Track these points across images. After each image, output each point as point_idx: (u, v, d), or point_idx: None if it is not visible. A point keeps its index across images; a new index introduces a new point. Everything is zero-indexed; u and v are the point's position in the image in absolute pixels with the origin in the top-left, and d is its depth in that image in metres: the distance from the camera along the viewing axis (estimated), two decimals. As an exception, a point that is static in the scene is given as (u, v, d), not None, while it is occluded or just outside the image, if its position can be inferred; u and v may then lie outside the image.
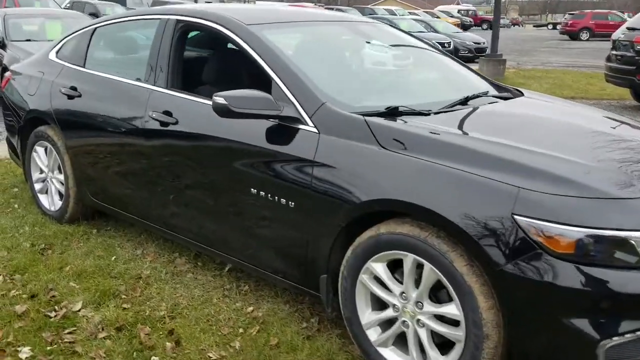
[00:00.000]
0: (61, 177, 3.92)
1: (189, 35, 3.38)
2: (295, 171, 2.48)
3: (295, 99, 2.57)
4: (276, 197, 2.56)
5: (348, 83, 2.98)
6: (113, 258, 3.46)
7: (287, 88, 2.60)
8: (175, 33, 3.21)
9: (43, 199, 4.17)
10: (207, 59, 3.46)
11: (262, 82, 2.79)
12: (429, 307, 2.19)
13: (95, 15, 15.50)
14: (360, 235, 2.33)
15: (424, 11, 37.28)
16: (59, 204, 4.01)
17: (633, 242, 1.86)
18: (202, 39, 3.83)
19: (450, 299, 2.12)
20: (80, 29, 3.92)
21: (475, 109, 2.76)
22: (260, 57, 2.75)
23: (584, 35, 33.61)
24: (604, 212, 1.91)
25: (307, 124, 2.51)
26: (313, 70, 2.73)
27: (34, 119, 4.03)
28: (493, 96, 3.07)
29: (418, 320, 2.22)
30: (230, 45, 3.53)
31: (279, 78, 2.64)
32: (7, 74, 4.46)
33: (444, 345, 2.21)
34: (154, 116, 3.09)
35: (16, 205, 4.34)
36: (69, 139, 3.73)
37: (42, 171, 4.13)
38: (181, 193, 3.05)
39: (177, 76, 3.19)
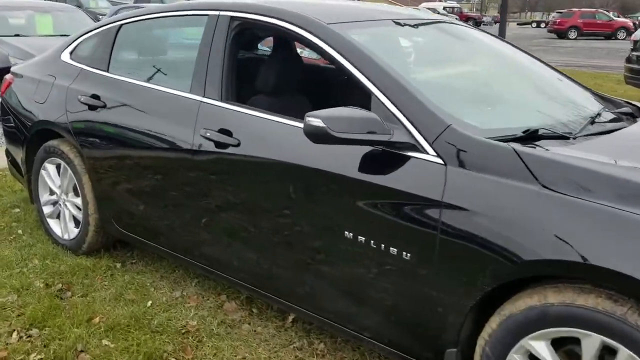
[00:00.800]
0: (78, 200, 3.31)
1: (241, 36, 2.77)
2: (414, 213, 1.92)
3: (408, 119, 2.01)
4: (382, 245, 2.01)
5: (467, 98, 2.42)
6: (149, 304, 2.87)
7: (395, 106, 2.04)
8: (229, 33, 2.63)
9: (54, 225, 3.54)
10: (267, 64, 2.87)
11: (351, 96, 2.22)
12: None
13: (78, 7, 14.57)
14: (513, 302, 1.79)
15: (409, 8, 36.76)
16: (74, 232, 3.39)
17: None
18: (254, 39, 3.24)
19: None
20: (100, 26, 3.30)
21: (622, 133, 2.22)
22: (353, 65, 2.18)
23: (572, 34, 33.46)
24: None
25: (425, 152, 1.95)
26: (422, 82, 2.18)
27: (43, 131, 3.41)
28: (614, 112, 2.55)
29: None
30: (298, 49, 2.95)
31: (384, 93, 2.08)
32: (8, 76, 3.81)
33: None
34: (208, 135, 2.51)
35: (20, 231, 3.70)
36: (90, 157, 3.11)
37: (52, 192, 3.51)
38: (241, 230, 2.47)
39: (232, 86, 2.61)
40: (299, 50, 3.29)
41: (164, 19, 3.04)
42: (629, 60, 9.79)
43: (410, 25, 2.66)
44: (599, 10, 39.43)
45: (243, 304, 2.89)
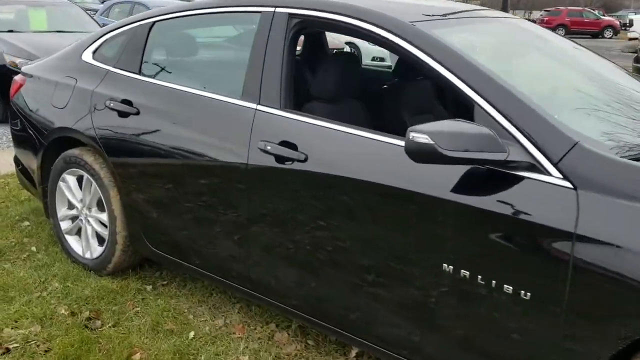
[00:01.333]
0: (103, 216, 2.99)
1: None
2: (536, 246, 1.65)
3: (525, 135, 1.73)
4: (493, 282, 1.73)
5: (579, 109, 2.14)
6: (191, 335, 2.56)
7: (507, 119, 1.76)
8: (288, 33, 2.33)
9: (73, 243, 3.21)
10: (326, 67, 2.57)
11: (441, 105, 1.93)
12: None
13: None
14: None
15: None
16: (97, 250, 3.07)
17: None
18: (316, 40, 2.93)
19: None
20: (129, 23, 2.97)
21: None
22: (451, 71, 1.89)
23: (560, 33, 33.54)
24: None
25: (547, 174, 1.68)
26: (531, 90, 1.90)
27: (62, 139, 3.08)
28: None
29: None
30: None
31: (492, 104, 1.79)
32: (18, 78, 3.47)
33: None
34: (268, 148, 2.21)
35: (34, 248, 3.37)
36: (119, 169, 2.79)
37: (72, 206, 3.18)
38: (308, 254, 2.18)
39: (291, 93, 2.32)
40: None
41: (204, 17, 2.72)
42: (637, 60, 9.66)
43: (486, 23, 2.39)
44: (586, 8, 39.64)
45: (296, 334, 2.60)
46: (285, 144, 2.18)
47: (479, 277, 1.76)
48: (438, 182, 1.82)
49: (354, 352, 2.45)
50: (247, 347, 2.49)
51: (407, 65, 3.11)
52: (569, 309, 1.61)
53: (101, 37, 3.09)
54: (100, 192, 2.95)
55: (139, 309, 2.78)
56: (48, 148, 3.17)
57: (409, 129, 1.68)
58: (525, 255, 1.67)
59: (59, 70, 3.20)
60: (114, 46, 3.01)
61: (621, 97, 2.31)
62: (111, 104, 2.80)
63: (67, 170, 3.09)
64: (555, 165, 1.67)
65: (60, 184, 3.15)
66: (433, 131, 1.64)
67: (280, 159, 2.19)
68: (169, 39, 2.94)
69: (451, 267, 1.81)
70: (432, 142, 1.63)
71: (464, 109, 1.90)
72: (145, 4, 10.73)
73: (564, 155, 1.67)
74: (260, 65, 2.35)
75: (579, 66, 2.58)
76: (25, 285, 2.95)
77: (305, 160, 2.12)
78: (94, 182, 2.97)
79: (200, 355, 2.42)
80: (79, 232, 3.20)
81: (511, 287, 1.70)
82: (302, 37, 3.44)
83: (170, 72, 2.84)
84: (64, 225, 3.23)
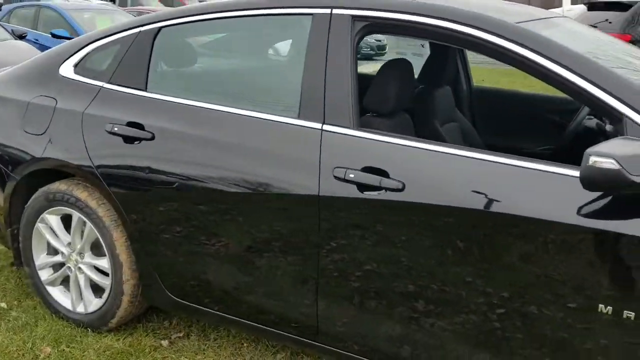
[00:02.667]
0: (101, 262, 2.48)
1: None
2: None
3: None
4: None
5: None
6: (242, 399, 2.15)
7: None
8: (353, 38, 1.99)
9: (58, 295, 2.67)
10: (383, 79, 2.23)
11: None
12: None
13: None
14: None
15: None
16: (94, 303, 2.55)
17: None
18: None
19: None
20: (123, 30, 2.48)
21: None
22: (591, 82, 1.64)
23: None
24: None
25: None
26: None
27: (43, 172, 2.54)
28: None
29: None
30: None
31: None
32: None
33: None
34: (351, 177, 1.85)
35: (3, 305, 2.77)
36: (129, 206, 2.31)
37: (54, 252, 2.63)
38: (406, 304, 1.86)
39: (359, 109, 1.98)
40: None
41: (228, 20, 2.30)
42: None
43: (556, 25, 2.17)
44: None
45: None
46: (372, 170, 1.84)
47: (646, 317, 1.52)
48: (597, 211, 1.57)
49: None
50: (313, 408, 2.12)
51: (434, 72, 2.87)
52: None
53: (84, 47, 2.57)
54: (98, 234, 2.44)
55: (162, 371, 2.32)
56: (20, 183, 2.60)
57: (588, 151, 1.41)
58: None
59: (28, 88, 2.63)
60: (105, 58, 2.50)
61: None
62: (114, 129, 2.31)
63: (49, 209, 2.54)
64: None
65: (39, 225, 2.59)
66: (622, 155, 1.38)
67: (363, 187, 1.85)
68: (183, 48, 2.49)
69: (609, 308, 1.56)
70: (619, 167, 1.37)
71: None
72: (54, 8, 9.76)
73: None
74: (322, 78, 1.98)
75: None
76: (7, 354, 2.38)
77: (403, 189, 1.79)
78: (88, 222, 2.45)
79: None
80: (64, 282, 2.66)
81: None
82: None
83: (191, 88, 2.39)
84: (44, 274, 2.67)
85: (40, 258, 2.66)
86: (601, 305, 1.57)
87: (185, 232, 2.23)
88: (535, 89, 3.41)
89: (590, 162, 1.41)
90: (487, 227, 1.69)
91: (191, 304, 2.34)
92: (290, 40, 2.37)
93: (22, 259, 2.70)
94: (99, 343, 2.48)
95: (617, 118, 1.61)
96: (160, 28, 2.39)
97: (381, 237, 1.85)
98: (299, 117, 2.02)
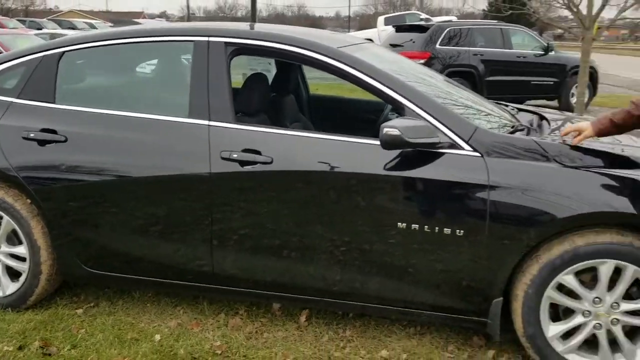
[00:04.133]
0: (18, 249, 2.94)
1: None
2: (466, 197, 2.43)
3: (445, 125, 2.50)
4: (436, 228, 2.47)
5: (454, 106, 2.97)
6: (157, 338, 2.77)
7: (432, 116, 2.51)
8: (228, 58, 2.76)
9: (-25, 284, 3.04)
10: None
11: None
12: (626, 305, 2.41)
13: None
14: (549, 250, 2.42)
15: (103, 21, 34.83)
16: (12, 286, 2.99)
17: None
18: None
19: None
20: (28, 54, 2.98)
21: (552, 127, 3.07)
22: (382, 84, 2.58)
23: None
24: None
25: (463, 149, 2.48)
26: (431, 94, 2.69)
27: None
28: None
29: (613, 319, 2.42)
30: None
31: (420, 107, 2.52)
32: None
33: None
34: (235, 156, 2.61)
35: None
36: (44, 197, 2.82)
37: (-30, 246, 3.02)
38: (284, 243, 2.65)
39: (233, 109, 2.75)
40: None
41: (122, 47, 2.94)
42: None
43: (367, 48, 3.14)
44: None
45: (249, 316, 3.00)
46: (249, 151, 2.61)
47: (425, 226, 2.48)
48: (378, 164, 2.49)
49: (303, 317, 2.97)
50: (213, 335, 2.82)
51: (281, 84, 3.73)
52: (489, 235, 2.42)
53: (-12, 68, 3.02)
54: (14, 225, 2.90)
55: (83, 330, 2.85)
56: None
57: (382, 125, 2.33)
58: (461, 204, 2.44)
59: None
60: (11, 77, 2.99)
61: (457, 96, 3.29)
62: (30, 135, 2.82)
63: (-38, 209, 2.94)
64: (467, 142, 2.48)
65: (-45, 224, 2.97)
66: (401, 126, 2.32)
67: (244, 163, 2.61)
68: (85, 69, 3.05)
69: (404, 224, 2.50)
70: (400, 133, 2.31)
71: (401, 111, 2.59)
72: None
73: (471, 136, 2.49)
74: (205, 87, 2.72)
75: (420, 71, 3.48)
76: (-63, 336, 2.75)
77: (272, 162, 2.59)
78: (5, 216, 2.90)
79: (180, 350, 2.68)
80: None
81: (448, 229, 2.46)
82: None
83: (98, 99, 2.96)
84: (-43, 267, 3.03)
85: (-46, 254, 3.02)
86: (399, 223, 2.50)
87: (98, 213, 2.80)
88: (357, 95, 4.44)
89: (384, 132, 2.33)
90: (330, 184, 2.55)
91: (105, 273, 2.91)
92: (181, 59, 3.07)
93: None
94: (21, 318, 2.92)
95: (401, 107, 2.57)
96: (64, 52, 2.95)
97: (259, 198, 2.63)
98: (189, 116, 2.73)
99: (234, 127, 2.68)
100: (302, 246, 2.64)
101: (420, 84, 2.87)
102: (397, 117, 3.16)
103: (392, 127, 2.33)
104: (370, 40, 4.21)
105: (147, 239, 2.79)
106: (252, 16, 12.04)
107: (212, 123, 2.70)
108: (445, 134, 2.49)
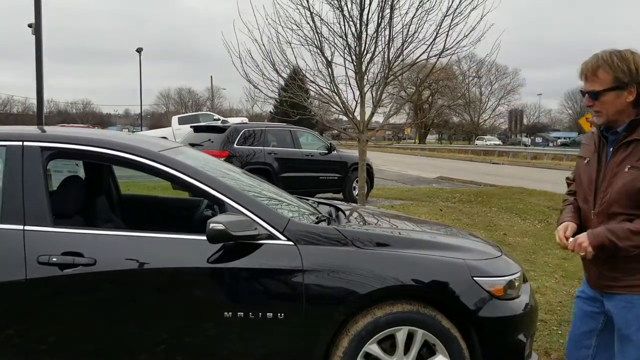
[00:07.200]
0: None
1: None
2: (282, 283, 2.71)
3: (261, 218, 2.78)
4: (259, 314, 2.69)
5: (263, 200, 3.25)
6: None
7: (249, 211, 2.77)
8: (44, 162, 2.76)
9: None
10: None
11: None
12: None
13: None
14: (354, 324, 2.77)
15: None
16: None
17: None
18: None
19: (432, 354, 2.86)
20: None
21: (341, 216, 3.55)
22: (204, 184, 2.80)
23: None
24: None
25: (279, 239, 2.77)
26: (246, 189, 2.99)
27: None
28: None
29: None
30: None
31: (236, 202, 2.79)
32: None
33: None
34: (55, 260, 2.57)
35: None
36: None
37: None
38: (107, 345, 2.62)
39: (52, 211, 2.74)
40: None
41: None
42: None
43: (185, 152, 3.37)
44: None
45: None
46: (70, 254, 2.60)
47: (250, 313, 2.69)
48: (198, 257, 2.69)
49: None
50: None
51: (92, 185, 3.74)
52: (306, 312, 2.71)
53: None
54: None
55: None
56: None
57: (208, 221, 2.54)
58: (278, 289, 2.71)
59: None
60: None
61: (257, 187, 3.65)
62: None
63: None
64: (281, 233, 2.79)
65: None
66: (225, 221, 2.56)
67: (64, 266, 2.59)
68: None
69: (229, 313, 2.68)
70: (224, 227, 2.54)
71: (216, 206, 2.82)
72: None
73: (285, 227, 2.81)
74: (20, 190, 2.67)
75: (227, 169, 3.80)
76: None
77: (95, 263, 2.61)
78: None
79: None
80: None
81: (270, 313, 2.70)
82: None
83: None
84: None
85: None
86: (225, 312, 2.68)
87: None
88: (168, 193, 4.59)
89: (210, 227, 2.55)
90: (153, 281, 2.65)
91: None
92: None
93: None
94: None
95: (222, 204, 2.82)
96: None
97: (80, 301, 2.61)
98: (1, 222, 2.64)
99: (52, 231, 2.66)
100: (126, 347, 2.65)
101: (235, 180, 3.17)
102: (211, 213, 3.39)
103: (217, 222, 2.56)
104: (165, 138, 4.48)
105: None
106: (39, 113, 11.46)
107: (27, 227, 2.64)
108: (263, 227, 2.78)
